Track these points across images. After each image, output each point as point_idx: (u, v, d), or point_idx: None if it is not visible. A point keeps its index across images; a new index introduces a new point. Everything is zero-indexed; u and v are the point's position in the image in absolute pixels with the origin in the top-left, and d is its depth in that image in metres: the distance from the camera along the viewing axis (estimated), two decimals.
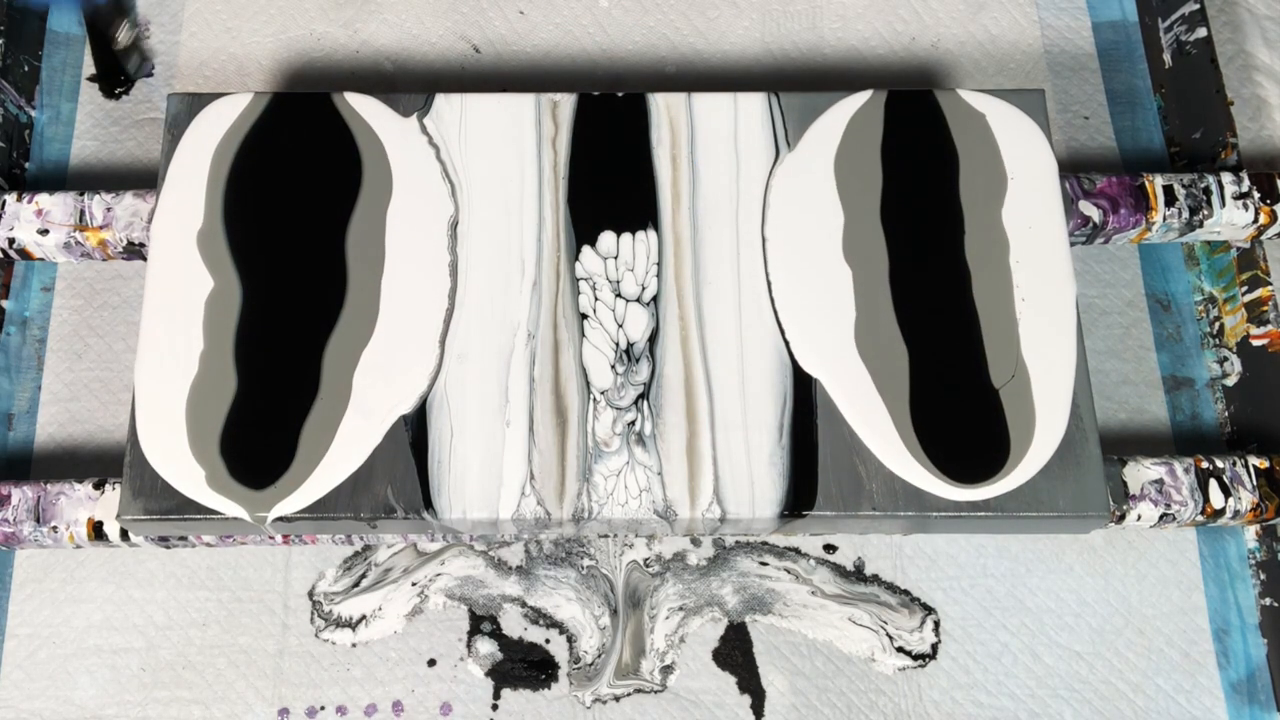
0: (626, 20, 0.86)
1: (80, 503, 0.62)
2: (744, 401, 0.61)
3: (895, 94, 0.69)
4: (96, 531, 0.62)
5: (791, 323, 0.63)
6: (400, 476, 0.60)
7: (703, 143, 0.68)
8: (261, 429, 0.61)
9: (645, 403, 0.61)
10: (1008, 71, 0.84)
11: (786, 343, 0.63)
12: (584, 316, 0.63)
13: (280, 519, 0.59)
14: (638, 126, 0.68)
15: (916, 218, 0.66)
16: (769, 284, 0.64)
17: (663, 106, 0.69)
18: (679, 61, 0.84)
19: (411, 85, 0.83)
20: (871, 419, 0.61)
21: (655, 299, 0.64)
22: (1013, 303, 0.64)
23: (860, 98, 0.69)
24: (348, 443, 0.60)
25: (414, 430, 0.60)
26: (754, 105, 0.69)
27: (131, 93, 0.82)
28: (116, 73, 0.82)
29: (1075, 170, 0.80)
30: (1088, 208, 0.71)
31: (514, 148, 0.68)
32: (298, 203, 0.66)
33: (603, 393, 0.62)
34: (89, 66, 0.83)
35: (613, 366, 0.62)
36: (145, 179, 0.77)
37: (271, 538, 0.65)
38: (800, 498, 0.60)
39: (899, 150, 0.68)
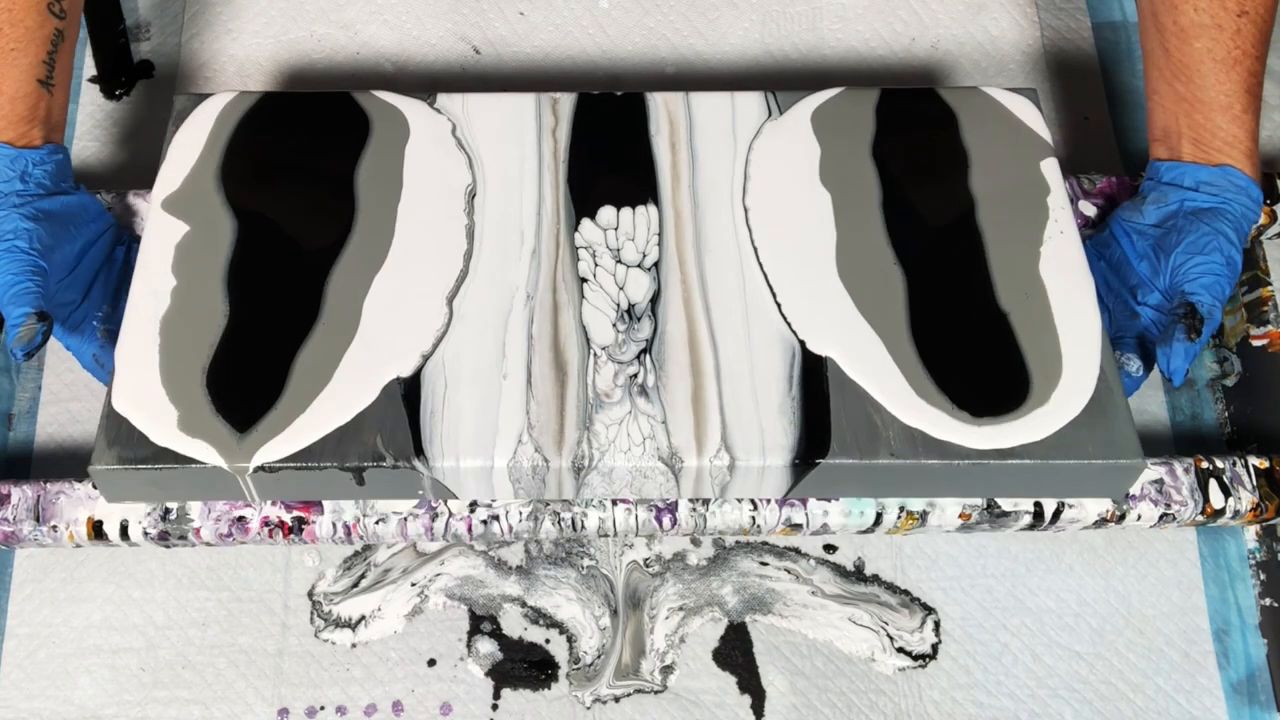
0: (626, 21, 0.86)
1: (80, 502, 0.62)
2: (750, 355, 0.60)
3: (890, 90, 0.70)
4: (96, 531, 0.62)
5: (784, 293, 0.62)
6: (391, 426, 0.57)
7: (701, 132, 0.68)
8: (251, 360, 0.59)
9: (648, 357, 0.60)
10: (1008, 72, 0.84)
11: (784, 317, 0.61)
12: (583, 280, 0.62)
13: (261, 469, 0.57)
14: (636, 119, 0.68)
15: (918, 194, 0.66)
16: (755, 250, 0.63)
17: (661, 104, 0.69)
18: (679, 62, 0.85)
19: (412, 86, 0.83)
20: (880, 378, 0.59)
21: (656, 265, 0.63)
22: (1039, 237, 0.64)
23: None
24: (347, 378, 0.58)
25: (406, 385, 0.59)
26: (751, 104, 0.69)
27: (132, 94, 0.83)
28: (117, 74, 0.82)
29: (1075, 170, 0.80)
30: (1087, 208, 0.71)
31: (514, 137, 0.67)
32: (304, 152, 0.67)
33: (603, 348, 0.60)
34: (90, 67, 0.83)
35: (614, 325, 0.60)
36: (146, 179, 0.77)
37: (268, 534, 0.65)
38: (813, 445, 0.57)
39: (892, 112, 0.69)
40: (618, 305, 0.61)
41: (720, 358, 0.60)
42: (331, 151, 0.67)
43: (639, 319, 0.61)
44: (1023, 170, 0.67)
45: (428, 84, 0.83)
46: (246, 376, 0.59)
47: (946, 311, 0.62)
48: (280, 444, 0.57)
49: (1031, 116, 0.69)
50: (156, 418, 0.58)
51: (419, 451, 0.57)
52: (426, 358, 0.59)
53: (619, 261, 0.62)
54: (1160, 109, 0.66)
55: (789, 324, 0.61)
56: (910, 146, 0.68)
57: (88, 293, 0.63)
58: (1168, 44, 0.64)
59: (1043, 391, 0.59)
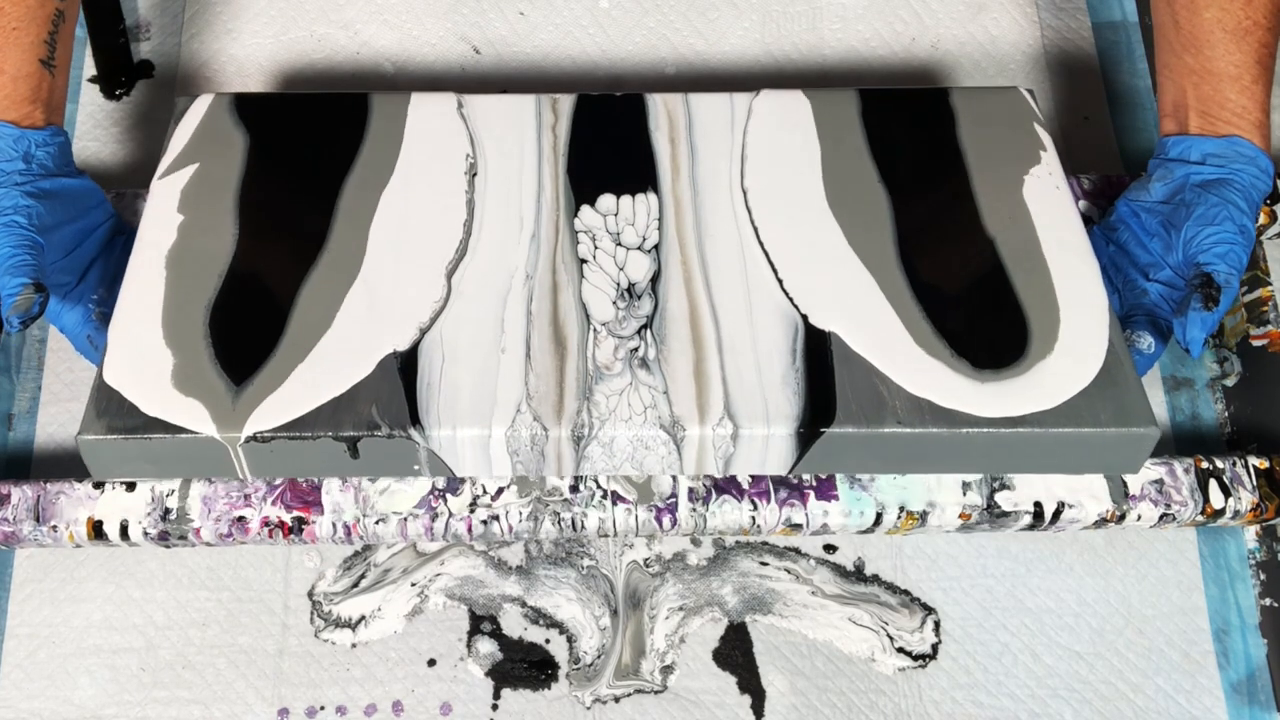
0: (626, 21, 0.86)
1: (80, 502, 0.62)
2: (753, 330, 0.59)
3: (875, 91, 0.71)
4: (96, 531, 0.62)
5: (785, 266, 0.62)
6: (386, 396, 0.57)
7: (700, 128, 0.68)
8: (255, 294, 0.60)
9: (648, 332, 0.59)
10: (1008, 72, 0.84)
11: (786, 292, 0.61)
12: (583, 261, 0.62)
13: (253, 438, 0.56)
14: (636, 117, 0.68)
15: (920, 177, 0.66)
16: (756, 230, 0.63)
17: (660, 104, 0.69)
18: (679, 62, 0.85)
19: (412, 86, 0.83)
20: (879, 331, 0.59)
21: (656, 247, 0.62)
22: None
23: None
24: (347, 325, 0.59)
25: (402, 359, 0.58)
26: (749, 104, 0.69)
27: (132, 94, 0.83)
28: (117, 74, 0.82)
29: (1075, 170, 0.80)
30: (1087, 208, 0.71)
31: (514, 132, 0.67)
32: (312, 118, 0.69)
33: (603, 324, 0.59)
34: (90, 67, 0.83)
35: (614, 302, 0.60)
36: (146, 179, 0.77)
37: (268, 534, 0.65)
38: (818, 414, 0.56)
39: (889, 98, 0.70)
40: (618, 284, 0.61)
41: (722, 332, 0.59)
42: (339, 110, 0.69)
43: (639, 297, 0.60)
44: (1017, 138, 0.67)
45: (428, 84, 0.83)
46: (249, 311, 0.59)
47: (936, 242, 0.63)
48: (273, 411, 0.56)
49: (1028, 104, 0.69)
50: (151, 369, 0.57)
51: (415, 421, 0.56)
52: (424, 332, 0.59)
53: (619, 244, 0.62)
54: (1170, 83, 0.65)
55: (791, 299, 0.61)
56: (902, 110, 0.69)
57: (84, 276, 0.63)
58: (1178, 15, 0.64)
59: (1042, 342, 0.59)
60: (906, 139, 0.68)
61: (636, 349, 0.58)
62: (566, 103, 0.69)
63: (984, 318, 0.60)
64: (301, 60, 0.84)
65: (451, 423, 0.56)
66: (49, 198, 0.60)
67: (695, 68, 0.84)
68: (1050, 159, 0.66)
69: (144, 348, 0.58)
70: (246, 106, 0.68)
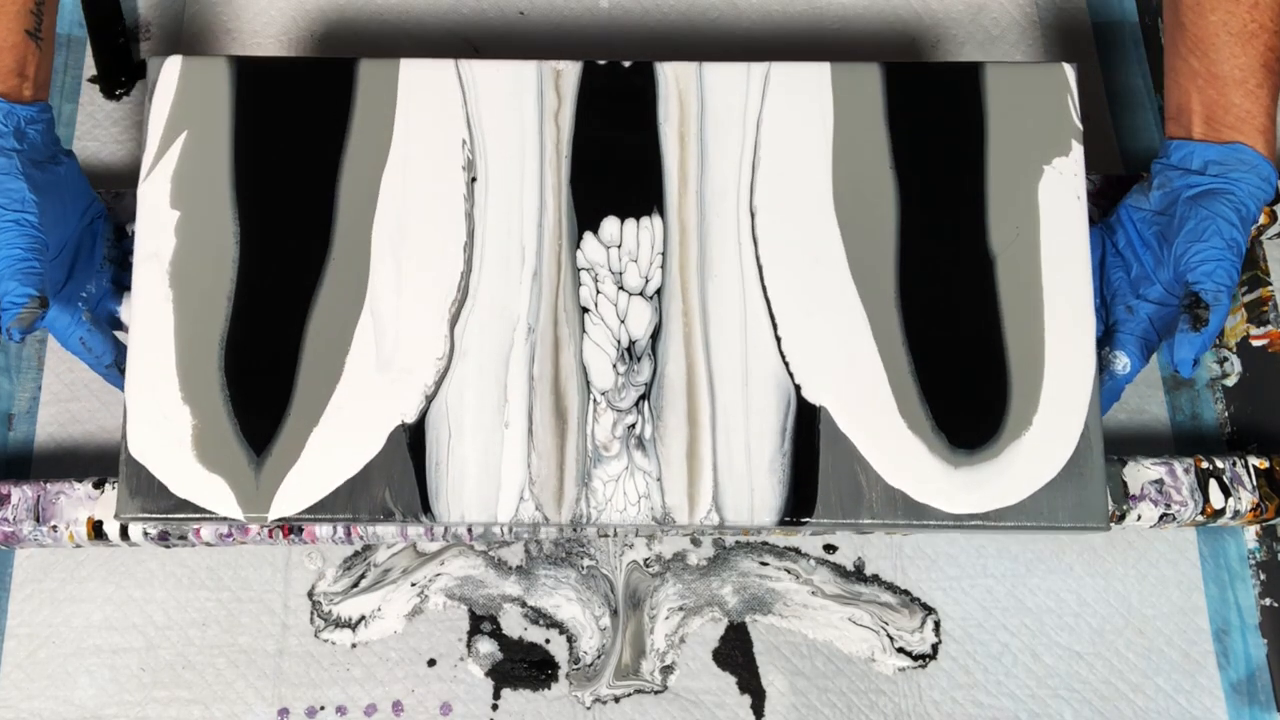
0: (626, 21, 0.86)
1: (80, 502, 0.62)
2: (746, 404, 0.60)
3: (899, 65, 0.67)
4: (96, 531, 0.62)
5: (786, 326, 0.61)
6: (398, 479, 0.58)
7: (711, 116, 0.65)
8: (263, 333, 0.60)
9: (646, 404, 0.60)
10: None
11: (782, 354, 0.61)
12: (585, 310, 0.61)
13: (280, 519, 0.58)
14: (644, 99, 0.65)
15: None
16: (760, 270, 0.62)
17: (671, 80, 0.65)
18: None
19: None
20: (872, 423, 0.60)
21: (659, 292, 0.62)
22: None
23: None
24: (355, 376, 0.60)
25: (411, 431, 0.59)
26: (763, 77, 0.65)
27: (132, 94, 0.83)
28: (117, 74, 0.82)
29: None
30: (1089, 209, 0.71)
31: (515, 121, 0.64)
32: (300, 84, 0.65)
33: (603, 393, 0.60)
34: (90, 67, 0.83)
35: (614, 365, 0.61)
36: None
37: (271, 534, 0.65)
38: (799, 506, 0.59)
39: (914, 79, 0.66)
40: (618, 342, 0.61)
41: (717, 406, 0.60)
42: (330, 78, 0.65)
43: (639, 359, 0.60)
44: (1048, 143, 0.64)
45: None
46: (260, 349, 0.60)
47: (938, 276, 0.62)
48: (293, 491, 0.58)
49: (1067, 92, 0.65)
50: (172, 435, 0.58)
51: (426, 509, 0.58)
52: (430, 400, 0.59)
53: (621, 288, 0.62)
54: (1175, 85, 0.64)
55: (786, 364, 0.60)
56: (930, 97, 0.65)
57: (71, 271, 0.62)
58: (1184, 17, 0.63)
59: (1020, 416, 0.59)
60: (930, 134, 0.64)
61: (634, 425, 0.59)
62: (570, 77, 0.65)
63: (970, 375, 0.60)
64: None
65: (460, 510, 0.58)
66: (46, 192, 0.59)
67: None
68: (1079, 172, 0.64)
69: (162, 405, 0.59)
70: (228, 73, 0.65)
